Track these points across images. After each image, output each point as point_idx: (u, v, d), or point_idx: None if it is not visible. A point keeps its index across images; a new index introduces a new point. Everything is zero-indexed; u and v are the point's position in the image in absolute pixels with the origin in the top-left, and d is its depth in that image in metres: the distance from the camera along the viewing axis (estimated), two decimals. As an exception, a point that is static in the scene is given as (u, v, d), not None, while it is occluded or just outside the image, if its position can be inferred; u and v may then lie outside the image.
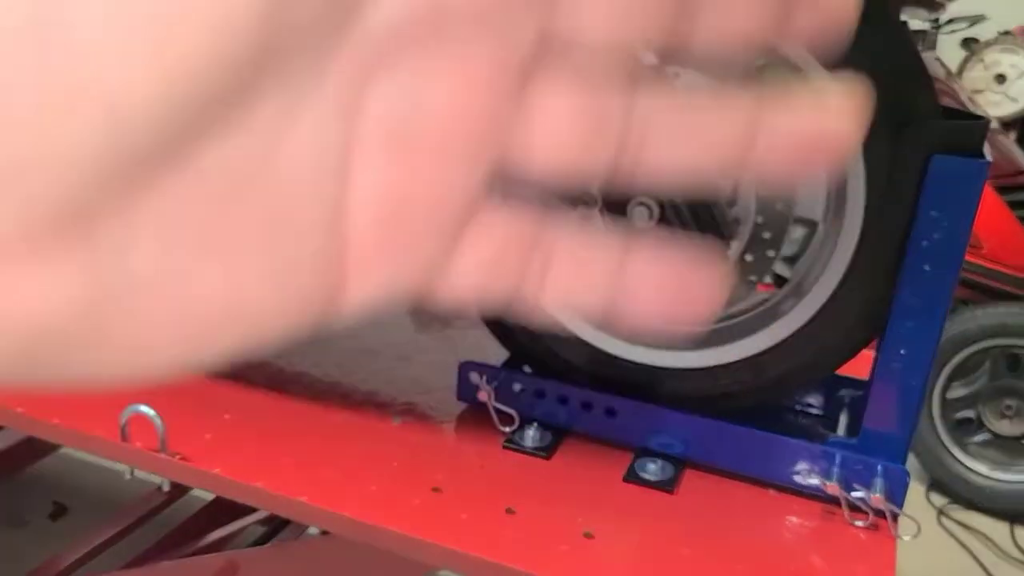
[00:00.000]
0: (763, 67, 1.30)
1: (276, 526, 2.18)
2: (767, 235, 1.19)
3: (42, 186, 0.20)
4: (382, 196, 0.28)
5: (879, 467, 1.18)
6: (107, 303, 0.23)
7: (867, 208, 1.15)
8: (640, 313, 0.32)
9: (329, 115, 0.25)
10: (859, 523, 1.18)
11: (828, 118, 0.29)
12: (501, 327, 1.41)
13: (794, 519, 1.20)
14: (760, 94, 0.29)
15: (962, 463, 3.11)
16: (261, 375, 1.50)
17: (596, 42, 0.28)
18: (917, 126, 1.09)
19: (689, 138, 0.30)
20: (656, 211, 1.14)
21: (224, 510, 2.07)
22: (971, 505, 3.14)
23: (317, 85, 0.25)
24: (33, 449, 2.27)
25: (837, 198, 1.18)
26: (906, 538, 1.17)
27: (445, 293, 0.31)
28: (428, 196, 0.28)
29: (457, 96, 0.27)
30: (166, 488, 1.27)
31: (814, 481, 1.21)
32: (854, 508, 1.19)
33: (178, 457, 1.21)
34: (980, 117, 1.14)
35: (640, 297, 0.32)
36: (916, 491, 3.17)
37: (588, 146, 0.29)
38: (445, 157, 0.28)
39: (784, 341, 1.24)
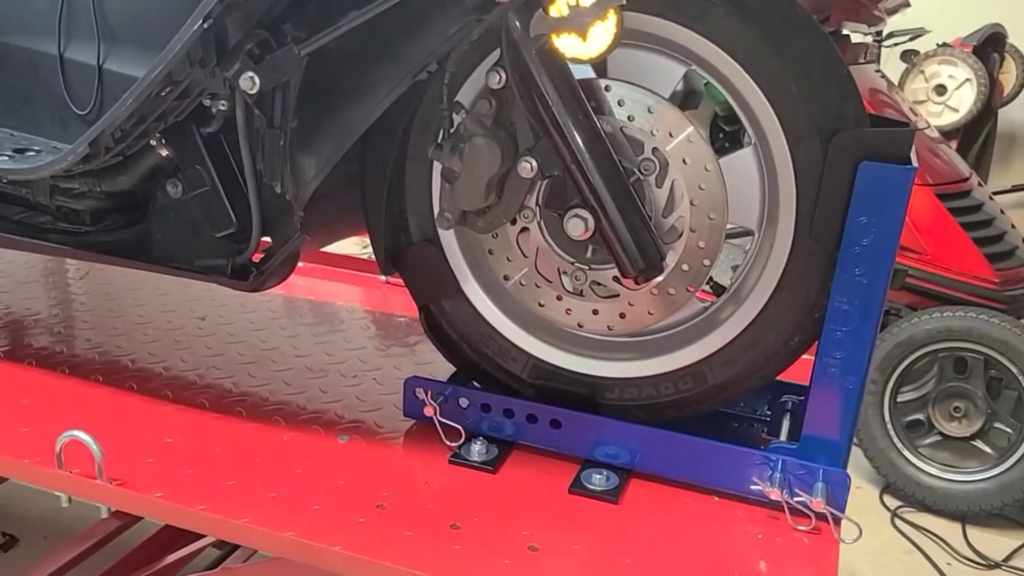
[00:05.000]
0: (705, 85, 1.32)
1: (229, 549, 2.15)
2: (703, 244, 1.20)
3: None
4: None
5: (820, 471, 1.20)
6: None
7: (799, 215, 1.17)
8: None
9: None
10: (802, 527, 1.20)
11: None
12: (447, 342, 1.41)
13: (738, 525, 1.21)
14: None
15: (914, 465, 3.17)
16: (206, 396, 1.48)
17: None
18: (845, 134, 1.11)
19: None
20: (591, 222, 1.14)
21: (178, 535, 2.04)
22: (924, 507, 3.19)
23: None
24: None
25: (770, 206, 1.20)
26: (848, 541, 1.18)
27: None
28: None
29: None
30: (104, 515, 1.24)
31: (757, 487, 1.22)
32: (797, 513, 1.20)
33: (116, 483, 1.19)
34: (906, 125, 1.17)
35: None
36: (870, 494, 3.22)
37: None
38: None
39: (724, 348, 1.26)
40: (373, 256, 1.43)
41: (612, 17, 0.95)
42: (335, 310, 1.95)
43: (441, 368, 1.46)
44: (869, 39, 3.44)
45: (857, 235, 1.12)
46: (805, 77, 1.11)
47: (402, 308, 1.95)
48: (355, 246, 2.96)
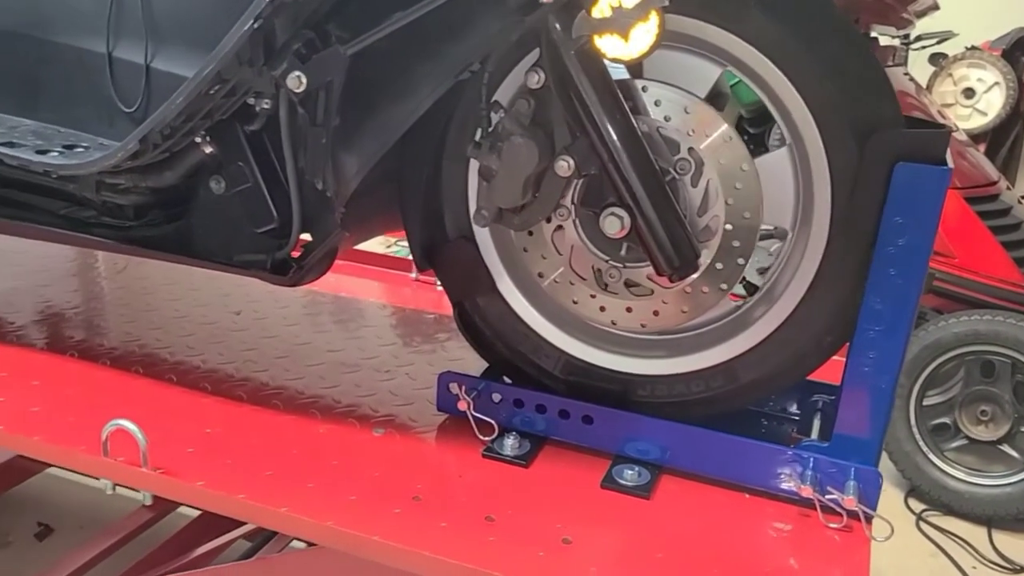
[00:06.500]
0: (736, 84, 1.33)
1: (261, 541, 2.18)
2: (737, 243, 1.21)
3: None
4: None
5: (852, 470, 1.20)
6: None
7: (833, 216, 1.18)
8: None
9: None
10: (833, 525, 1.21)
11: None
12: (480, 338, 1.43)
13: (769, 522, 1.22)
14: None
15: (940, 468, 3.16)
16: (243, 389, 1.51)
17: None
18: (881, 135, 1.12)
19: None
20: (627, 221, 1.16)
21: (209, 526, 2.07)
22: (949, 510, 3.17)
23: None
24: (18, 470, 2.26)
25: (804, 206, 1.21)
26: (879, 539, 1.19)
27: None
28: None
29: None
30: (147, 503, 1.26)
31: (788, 485, 1.23)
32: (828, 511, 1.21)
33: (159, 471, 1.22)
34: (942, 126, 1.18)
35: None
36: (895, 497, 3.21)
37: None
38: None
39: (756, 347, 1.27)
40: (398, 254, 1.45)
41: (654, 18, 0.97)
42: (366, 306, 1.98)
43: (472, 364, 1.48)
44: (897, 42, 3.44)
45: (892, 235, 1.13)
46: (841, 78, 1.12)
47: (431, 305, 1.98)
48: (379, 245, 2.99)
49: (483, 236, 1.37)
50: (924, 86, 3.96)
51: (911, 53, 4.04)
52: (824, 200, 1.17)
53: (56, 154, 1.31)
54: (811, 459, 1.22)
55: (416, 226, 1.39)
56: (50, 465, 1.94)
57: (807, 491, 1.21)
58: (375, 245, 2.35)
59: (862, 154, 1.13)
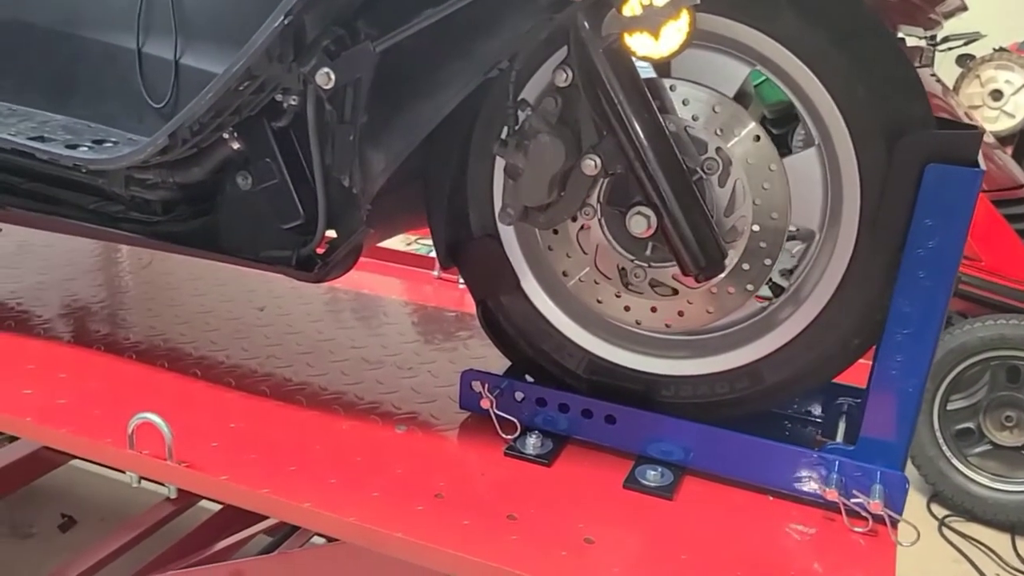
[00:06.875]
0: (761, 84, 1.32)
1: (282, 536, 2.19)
2: (764, 244, 1.21)
3: None
4: None
5: (878, 473, 1.19)
6: None
7: (862, 217, 1.17)
8: None
9: None
10: (858, 529, 1.19)
11: None
12: (503, 336, 1.43)
13: (793, 525, 1.21)
14: None
15: (963, 474, 3.13)
16: (267, 384, 1.52)
17: None
18: (912, 136, 1.11)
19: None
20: (653, 220, 1.16)
21: (230, 520, 2.08)
22: (972, 516, 3.14)
23: None
24: (42, 462, 2.29)
25: (833, 207, 1.20)
26: (905, 544, 1.18)
27: None
28: None
29: None
30: (172, 495, 1.27)
31: (813, 487, 1.22)
32: (853, 514, 1.20)
33: (184, 465, 1.23)
34: (974, 127, 1.17)
35: None
36: (917, 502, 3.18)
37: None
38: None
39: (781, 349, 1.26)
40: (419, 252, 1.46)
41: (685, 16, 0.97)
42: (388, 304, 1.98)
43: (494, 363, 1.48)
44: (923, 43, 3.41)
45: (922, 237, 1.12)
46: (872, 78, 1.11)
47: (453, 303, 1.98)
48: (399, 243, 3.00)
49: (508, 234, 1.37)
50: (951, 88, 3.92)
51: (938, 54, 4.00)
52: (853, 201, 1.16)
53: (86, 149, 1.32)
54: (836, 462, 1.21)
55: (441, 224, 1.39)
56: (74, 457, 1.96)
57: (832, 494, 1.20)
58: (395, 243, 2.36)
59: (892, 155, 1.12)
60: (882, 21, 1.13)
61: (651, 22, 0.97)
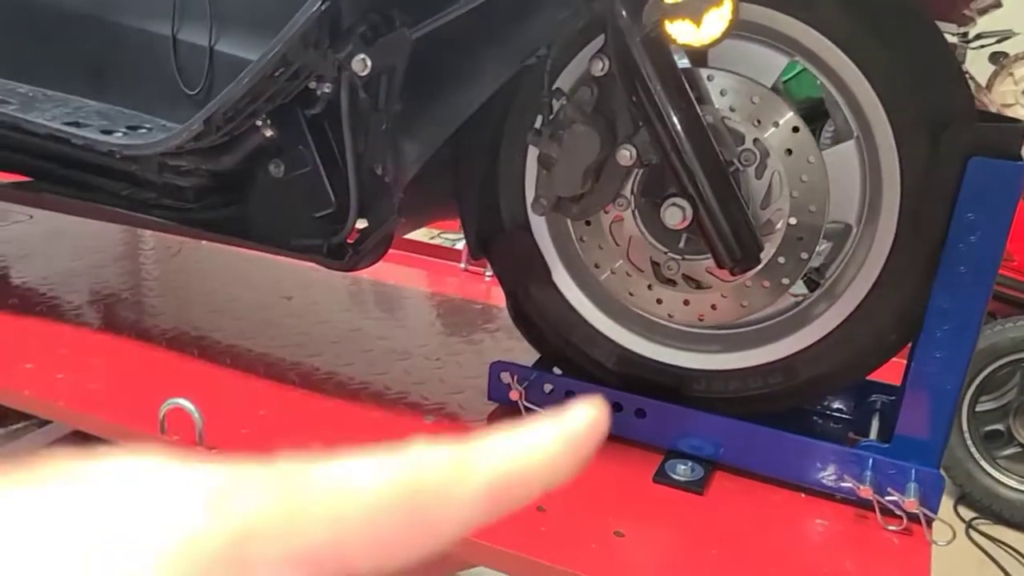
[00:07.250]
0: (789, 80, 1.31)
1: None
2: (800, 238, 1.19)
3: None
4: None
5: (913, 471, 1.18)
6: None
7: (902, 210, 1.15)
8: None
9: None
10: (892, 527, 1.18)
11: None
12: (533, 328, 1.42)
13: (826, 522, 1.20)
14: None
15: (991, 476, 3.09)
16: (295, 373, 1.52)
17: None
18: (954, 129, 1.09)
19: None
20: (689, 212, 1.14)
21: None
22: (1000, 519, 3.10)
23: None
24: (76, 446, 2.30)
25: (872, 200, 1.18)
26: (941, 543, 1.16)
27: None
28: None
29: None
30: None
31: (846, 485, 1.21)
32: (887, 512, 1.18)
33: (215, 450, 1.23)
34: (1017, 120, 1.14)
35: None
36: (944, 504, 3.06)
37: None
38: None
39: (816, 344, 1.24)
40: (444, 244, 1.45)
41: (727, 4, 0.95)
42: (415, 295, 1.98)
43: (521, 355, 1.47)
44: (956, 40, 3.36)
45: (964, 232, 1.10)
46: (915, 69, 1.09)
47: (480, 295, 1.97)
48: (422, 236, 3.00)
49: (539, 226, 1.36)
50: (984, 85, 3.87)
51: (970, 52, 3.94)
52: (893, 194, 1.15)
53: (121, 134, 1.33)
54: (871, 459, 1.20)
55: (472, 214, 1.39)
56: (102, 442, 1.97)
57: (866, 492, 1.18)
58: (419, 236, 2.36)
59: (934, 147, 1.10)
60: (924, 10, 1.11)
61: (694, 9, 0.96)
